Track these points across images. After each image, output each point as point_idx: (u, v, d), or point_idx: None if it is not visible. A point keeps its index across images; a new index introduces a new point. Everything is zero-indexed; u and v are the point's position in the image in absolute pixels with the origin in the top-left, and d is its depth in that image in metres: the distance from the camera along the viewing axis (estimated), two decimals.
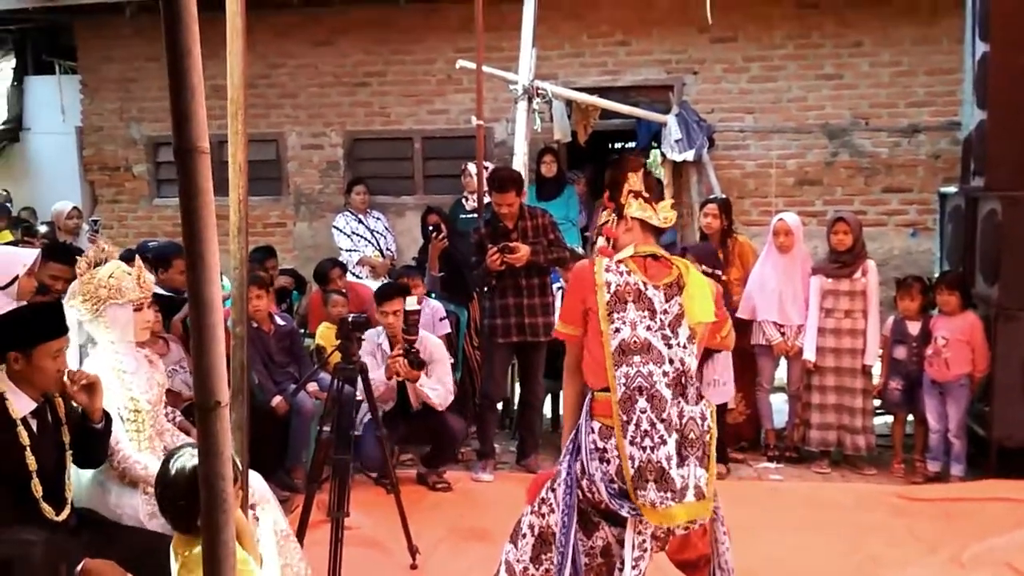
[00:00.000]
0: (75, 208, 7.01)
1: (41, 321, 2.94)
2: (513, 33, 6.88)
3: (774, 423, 5.65)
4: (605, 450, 2.81)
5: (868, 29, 7.56)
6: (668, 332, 2.84)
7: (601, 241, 3.14)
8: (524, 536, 3.06)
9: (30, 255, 3.93)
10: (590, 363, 2.91)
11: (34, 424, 2.91)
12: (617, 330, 2.81)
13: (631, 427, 2.74)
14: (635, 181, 3.04)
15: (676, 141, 7.38)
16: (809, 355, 5.30)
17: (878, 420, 5.53)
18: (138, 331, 3.38)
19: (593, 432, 2.85)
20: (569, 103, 7.21)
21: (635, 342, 2.80)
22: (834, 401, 5.30)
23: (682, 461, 2.76)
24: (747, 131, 7.83)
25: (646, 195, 3.03)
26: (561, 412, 6.13)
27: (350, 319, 3.94)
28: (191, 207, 1.44)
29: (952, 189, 6.21)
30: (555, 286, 6.01)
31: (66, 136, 9.67)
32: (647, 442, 2.73)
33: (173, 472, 2.37)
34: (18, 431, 2.83)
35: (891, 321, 5.36)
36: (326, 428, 3.96)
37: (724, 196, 6.13)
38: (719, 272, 5.27)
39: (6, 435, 2.81)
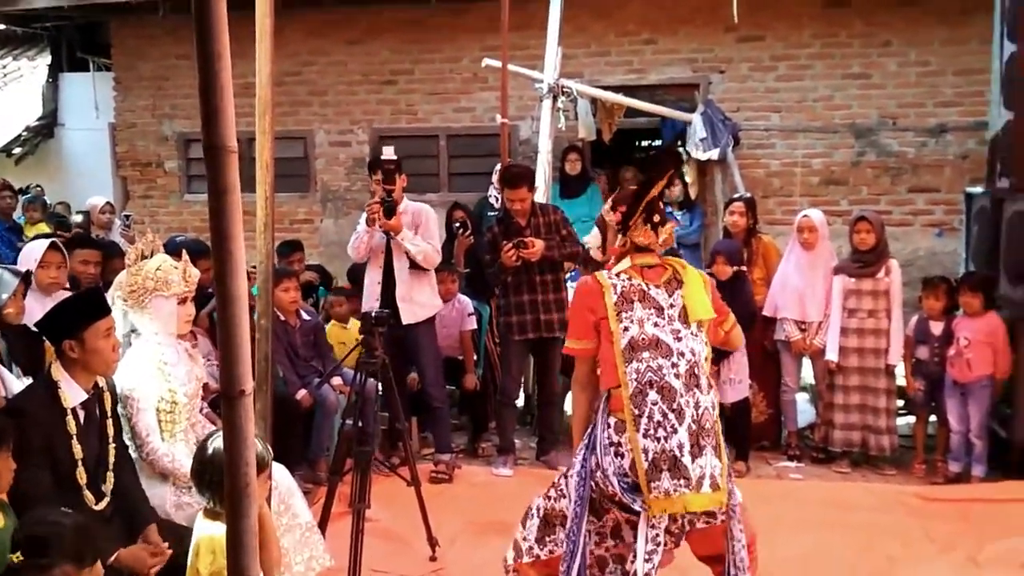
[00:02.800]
0: (108, 203, 7.17)
1: (83, 306, 3.07)
2: (539, 32, 6.92)
3: (797, 423, 5.66)
4: (619, 444, 2.87)
5: (897, 29, 7.54)
6: (678, 325, 2.92)
7: (594, 238, 3.21)
8: (532, 518, 3.19)
9: (39, 249, 4.10)
10: (605, 367, 2.98)
11: (82, 415, 3.02)
12: (626, 328, 2.89)
13: (643, 420, 2.81)
14: (657, 191, 3.04)
15: (701, 140, 7.39)
16: (831, 355, 5.29)
17: (900, 421, 5.52)
18: (180, 324, 3.49)
19: (609, 427, 2.91)
20: (594, 101, 7.24)
21: (643, 339, 2.88)
22: (857, 401, 5.29)
23: (700, 451, 2.82)
24: (773, 130, 7.83)
25: (656, 218, 3.05)
26: (572, 426, 6.26)
27: (373, 314, 4.00)
28: (219, 203, 1.49)
29: (979, 189, 6.17)
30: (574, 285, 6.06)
31: (99, 132, 9.87)
32: (660, 432, 2.80)
33: (210, 451, 2.51)
34: (67, 420, 2.94)
35: (914, 321, 5.34)
36: (348, 421, 4.04)
37: (750, 195, 6.13)
38: (744, 268, 5.30)
39: (57, 423, 2.92)
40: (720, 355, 3.11)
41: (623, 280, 2.98)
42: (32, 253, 4.13)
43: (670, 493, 2.77)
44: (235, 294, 1.52)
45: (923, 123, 7.57)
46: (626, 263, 3.05)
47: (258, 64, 2.63)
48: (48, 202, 8.42)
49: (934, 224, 7.61)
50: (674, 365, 2.85)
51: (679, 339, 2.89)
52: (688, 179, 7.32)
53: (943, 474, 5.15)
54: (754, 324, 5.23)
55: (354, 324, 5.75)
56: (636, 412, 2.82)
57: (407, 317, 5.16)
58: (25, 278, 3.76)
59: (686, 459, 2.79)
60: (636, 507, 2.82)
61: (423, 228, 5.22)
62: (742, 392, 5.26)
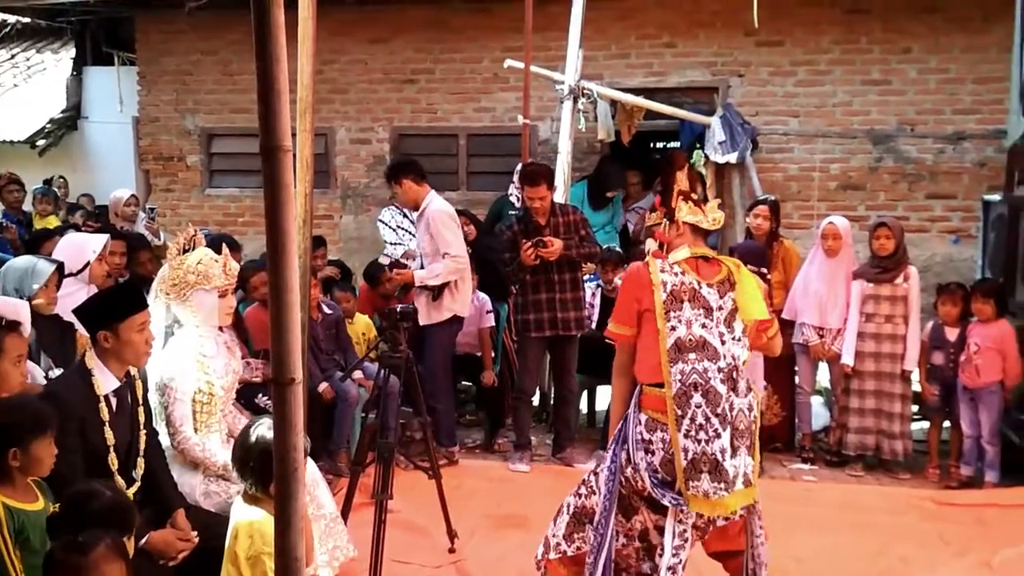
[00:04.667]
0: (133, 196, 7.24)
1: (122, 299, 3.15)
2: (560, 33, 6.98)
3: (811, 426, 5.70)
4: (651, 441, 2.93)
5: (917, 35, 7.56)
6: (723, 328, 2.96)
7: (651, 244, 3.25)
8: (562, 514, 3.22)
9: (100, 241, 4.15)
10: (643, 359, 3.02)
11: (114, 402, 3.10)
12: (673, 328, 2.93)
13: (686, 421, 2.87)
14: (682, 180, 3.13)
15: (720, 143, 7.41)
16: (847, 359, 5.33)
17: (914, 426, 5.55)
18: (222, 316, 3.58)
19: (640, 424, 2.97)
20: (614, 103, 7.29)
21: (691, 340, 2.92)
22: (873, 406, 5.33)
23: (734, 452, 2.89)
24: (791, 135, 7.85)
25: (695, 197, 3.13)
26: (597, 408, 6.33)
27: (398, 309, 4.07)
28: (274, 199, 1.56)
29: (996, 197, 6.21)
30: (594, 284, 6.12)
31: (123, 126, 9.94)
32: (702, 435, 2.85)
33: (253, 438, 2.59)
34: (100, 406, 3.02)
35: (929, 327, 5.38)
36: (371, 414, 4.12)
37: (774, 198, 6.14)
38: (765, 271, 5.33)
39: (90, 409, 3.00)
40: None
41: (675, 276, 2.99)
42: (90, 245, 4.17)
43: (709, 495, 2.84)
44: (287, 285, 1.59)
45: (941, 130, 7.59)
46: (684, 252, 3.05)
47: (300, 64, 2.71)
48: (59, 194, 8.45)
49: (951, 231, 7.63)
50: (719, 369, 2.90)
51: (723, 342, 2.94)
52: (706, 182, 7.35)
53: (956, 479, 5.19)
54: None
55: (359, 320, 5.85)
56: (679, 413, 2.87)
57: (422, 318, 5.24)
58: (59, 268, 3.83)
59: (727, 463, 2.85)
60: (665, 502, 2.89)
61: (436, 235, 5.30)
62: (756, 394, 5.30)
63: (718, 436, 2.86)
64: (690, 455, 2.85)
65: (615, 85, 7.67)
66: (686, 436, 2.86)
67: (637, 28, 8.05)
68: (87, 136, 10.58)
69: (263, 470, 2.47)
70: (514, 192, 7.15)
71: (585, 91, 6.83)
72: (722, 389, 2.89)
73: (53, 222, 7.17)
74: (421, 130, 8.63)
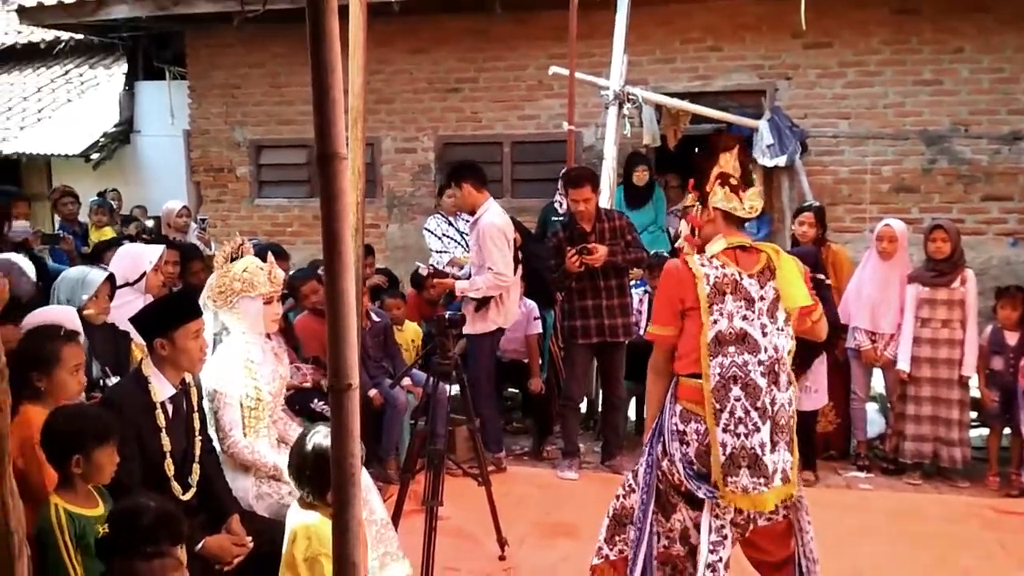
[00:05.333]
0: (185, 207, 7.39)
1: (177, 307, 3.22)
2: (604, 40, 6.96)
3: (867, 434, 5.59)
4: (684, 432, 2.90)
5: (968, 35, 7.41)
6: (765, 319, 2.88)
7: (683, 226, 3.14)
8: (605, 519, 3.19)
9: (156, 252, 4.23)
10: (683, 353, 2.95)
11: (170, 409, 3.15)
12: (715, 321, 2.86)
13: (724, 415, 2.81)
14: (726, 161, 2.98)
15: (768, 146, 7.34)
16: (903, 365, 5.21)
17: (972, 432, 5.41)
18: (267, 323, 3.63)
19: (676, 415, 2.93)
20: (659, 108, 7.25)
21: (731, 333, 2.85)
22: (930, 412, 5.19)
23: (774, 447, 2.83)
24: (841, 137, 7.74)
25: (733, 182, 2.96)
26: (645, 415, 6.27)
27: (447, 316, 4.08)
28: (330, 207, 1.56)
29: None
30: (641, 289, 6.08)
31: (174, 138, 10.13)
32: (741, 429, 2.80)
33: (309, 447, 2.62)
34: (156, 413, 3.07)
35: (988, 331, 5.25)
36: (421, 421, 4.13)
37: (819, 204, 6.05)
38: (822, 276, 5.19)
39: (147, 416, 3.05)
40: (800, 365, 3.05)
41: (716, 268, 2.90)
42: (147, 255, 4.26)
43: (748, 490, 2.79)
44: (344, 292, 1.59)
45: (996, 130, 7.42)
46: (720, 244, 2.95)
47: (351, 75, 2.73)
48: (114, 206, 8.63)
49: (1008, 233, 7.45)
50: (760, 362, 2.84)
51: (765, 334, 2.87)
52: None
53: (1017, 487, 5.04)
54: (836, 334, 5.07)
55: (408, 327, 5.88)
56: (717, 406, 2.82)
57: (466, 327, 5.25)
58: (111, 279, 3.91)
59: (766, 458, 2.80)
60: (700, 494, 2.84)
61: (483, 248, 5.29)
62: (819, 402, 5.22)
63: (757, 430, 2.80)
64: (728, 450, 2.79)
65: (660, 90, 7.63)
66: (724, 430, 2.80)
67: (681, 32, 8.00)
68: (139, 149, 10.81)
69: (320, 478, 2.49)
70: (558, 198, 7.14)
71: (630, 96, 6.81)
72: (762, 382, 2.82)
73: (108, 233, 7.35)
74: (466, 138, 8.66)
